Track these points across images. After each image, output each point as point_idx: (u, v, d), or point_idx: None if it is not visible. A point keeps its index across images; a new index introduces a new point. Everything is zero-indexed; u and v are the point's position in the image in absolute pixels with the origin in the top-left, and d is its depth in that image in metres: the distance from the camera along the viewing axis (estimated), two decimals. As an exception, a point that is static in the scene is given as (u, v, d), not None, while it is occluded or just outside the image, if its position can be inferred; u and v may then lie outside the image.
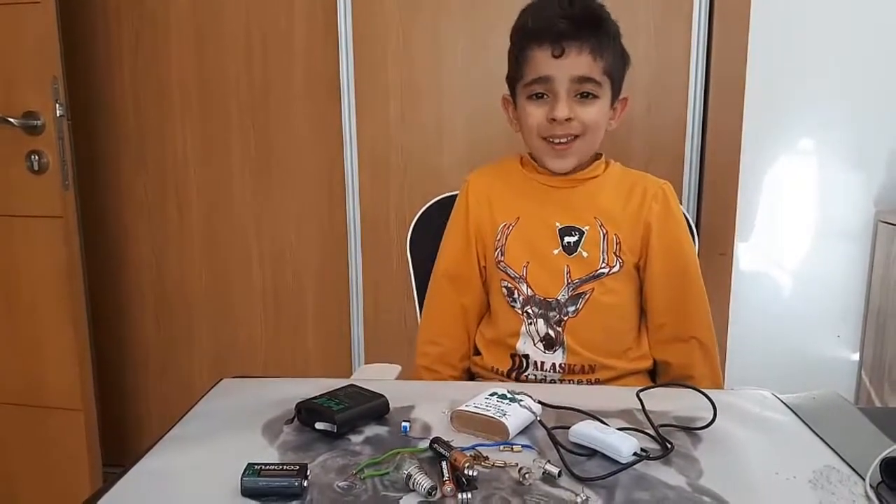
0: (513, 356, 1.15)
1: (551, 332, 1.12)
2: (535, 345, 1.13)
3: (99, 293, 2.08)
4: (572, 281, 1.11)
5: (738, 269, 1.83)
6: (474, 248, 1.19)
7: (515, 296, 1.15)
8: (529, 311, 1.13)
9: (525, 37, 1.12)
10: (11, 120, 1.61)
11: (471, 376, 1.24)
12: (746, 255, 1.83)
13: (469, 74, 1.83)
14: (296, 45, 1.88)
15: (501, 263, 1.15)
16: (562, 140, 1.10)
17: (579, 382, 1.13)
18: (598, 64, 1.09)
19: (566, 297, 1.12)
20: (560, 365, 1.12)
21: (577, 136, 1.11)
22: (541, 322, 1.12)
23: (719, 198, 1.79)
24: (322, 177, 1.94)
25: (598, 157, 1.19)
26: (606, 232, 1.12)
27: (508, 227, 1.16)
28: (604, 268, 1.11)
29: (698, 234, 1.32)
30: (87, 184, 2.02)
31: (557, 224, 1.13)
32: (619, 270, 1.12)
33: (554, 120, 1.09)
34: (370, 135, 1.89)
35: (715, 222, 1.79)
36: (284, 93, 1.91)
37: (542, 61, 1.09)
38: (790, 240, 1.82)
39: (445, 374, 1.20)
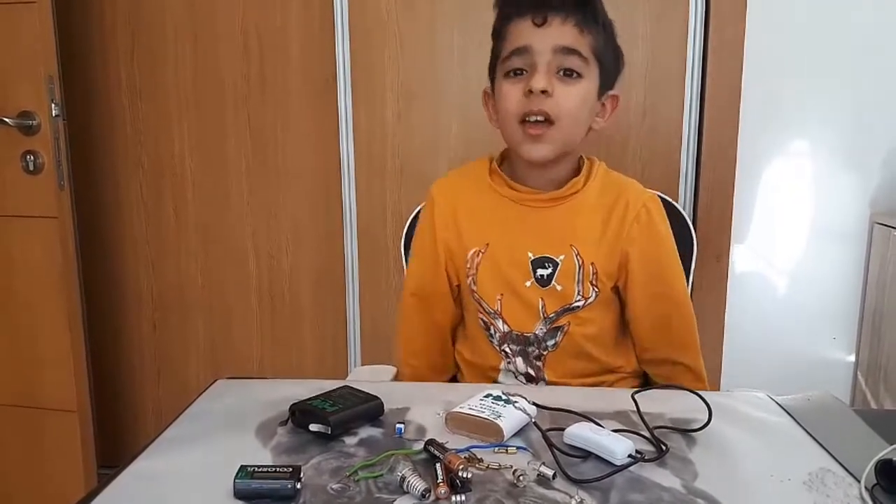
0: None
1: (531, 371, 1.09)
2: (516, 378, 1.10)
3: (95, 294, 2.08)
4: (548, 315, 1.06)
5: (734, 272, 1.83)
6: (444, 267, 1.12)
7: (492, 332, 1.10)
8: (507, 349, 1.09)
9: (506, 8, 1.03)
10: (7, 120, 1.61)
11: None
12: (743, 258, 1.83)
13: (465, 75, 1.83)
14: (292, 45, 1.88)
15: (475, 294, 1.09)
16: (538, 119, 0.99)
17: None
18: (584, 38, 0.99)
19: (544, 331, 1.07)
20: None
21: (551, 123, 0.99)
22: (519, 360, 1.09)
23: (715, 201, 1.79)
24: (318, 178, 1.93)
25: (577, 171, 1.09)
26: (583, 262, 1.04)
27: (478, 254, 1.08)
28: (579, 301, 1.05)
29: (695, 238, 1.32)
30: (83, 184, 2.01)
31: (530, 255, 1.05)
32: (594, 300, 1.06)
33: (530, 92, 0.97)
34: (366, 136, 1.88)
35: (711, 225, 1.79)
36: (281, 94, 1.91)
37: (523, 31, 0.99)
38: (786, 242, 1.82)
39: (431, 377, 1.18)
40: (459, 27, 1.82)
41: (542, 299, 1.06)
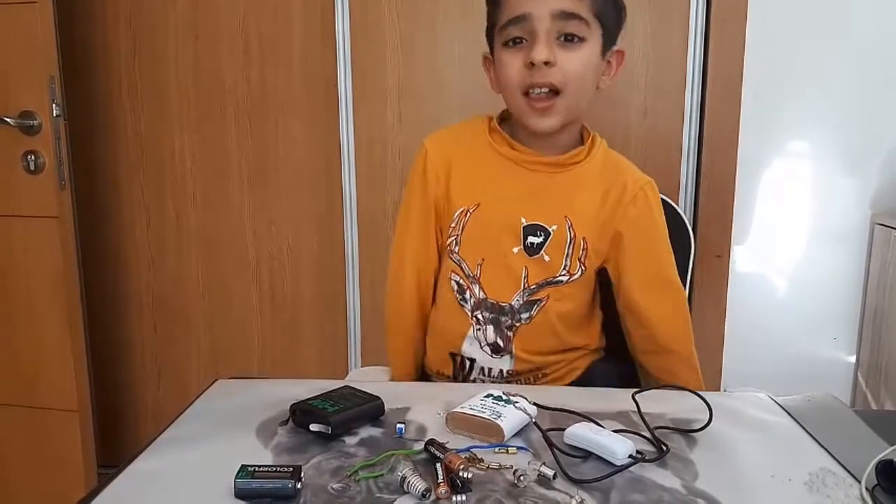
0: (453, 356, 1.10)
1: (500, 341, 1.05)
2: (481, 348, 1.07)
3: (96, 294, 2.08)
4: (529, 286, 1.03)
5: (734, 272, 1.83)
6: (433, 225, 1.08)
7: (466, 296, 1.06)
8: (479, 316, 1.05)
9: None
10: (8, 120, 1.61)
11: (424, 377, 1.19)
12: (743, 258, 1.83)
13: (466, 77, 1.83)
14: (293, 47, 1.88)
15: (455, 255, 1.05)
16: (543, 91, 0.97)
17: (527, 381, 1.08)
18: (583, 1, 0.95)
19: (520, 302, 1.04)
20: (507, 371, 1.07)
21: (557, 92, 0.97)
22: (490, 329, 1.05)
23: (716, 200, 1.79)
24: (319, 179, 1.93)
25: (579, 139, 1.08)
26: (574, 235, 1.02)
27: (466, 214, 1.03)
28: (563, 275, 1.03)
29: (694, 237, 1.32)
30: (85, 185, 2.01)
31: (523, 220, 1.02)
32: (579, 277, 1.03)
33: (532, 65, 0.95)
34: (367, 137, 1.88)
35: (712, 225, 1.79)
36: (282, 95, 1.91)
37: None
38: (787, 242, 1.82)
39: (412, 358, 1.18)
40: (461, 28, 1.82)
41: (526, 268, 1.03)
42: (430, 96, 1.86)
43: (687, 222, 1.30)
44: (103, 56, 1.96)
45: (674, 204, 1.28)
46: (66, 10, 1.86)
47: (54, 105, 1.62)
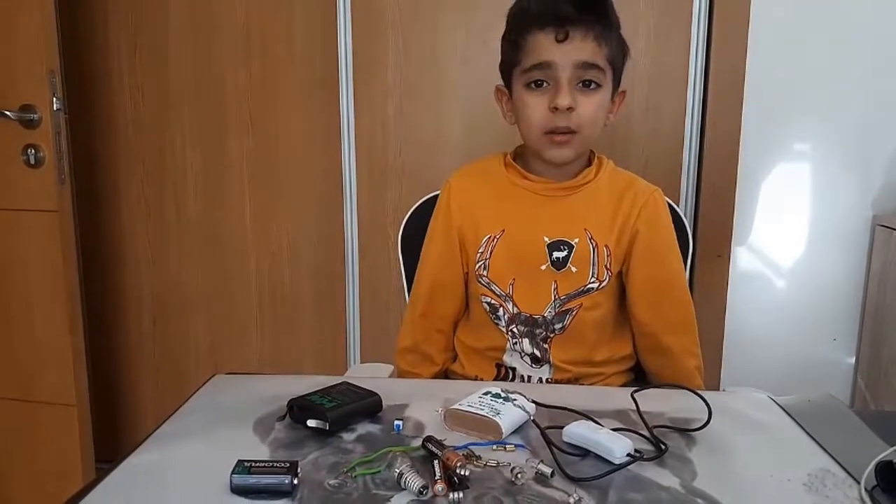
0: (498, 366, 1.15)
1: (537, 352, 1.11)
2: (521, 359, 1.12)
3: (95, 289, 2.08)
4: (559, 297, 1.09)
5: (735, 272, 1.82)
6: (458, 256, 1.15)
7: (500, 313, 1.12)
8: (514, 329, 1.11)
9: (525, 20, 1.06)
10: (8, 113, 1.60)
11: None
12: (744, 258, 1.83)
13: (467, 74, 1.83)
14: (295, 43, 1.88)
15: (484, 279, 1.11)
16: (562, 132, 1.05)
17: None
18: (602, 51, 1.04)
19: (553, 313, 1.09)
20: (547, 379, 1.12)
21: (574, 133, 1.05)
22: (526, 341, 1.11)
23: (717, 200, 1.78)
24: (320, 175, 1.93)
25: (589, 162, 1.15)
26: (596, 245, 1.09)
27: (493, 240, 1.11)
28: (593, 283, 1.09)
29: (695, 237, 1.32)
30: (85, 179, 2.01)
31: (546, 238, 1.09)
32: (608, 283, 1.09)
33: (556, 109, 1.03)
34: (368, 134, 1.88)
35: (712, 225, 1.79)
36: (283, 91, 1.91)
37: (544, 46, 1.03)
38: (787, 243, 1.82)
39: (426, 374, 1.19)
40: (462, 26, 1.81)
41: (555, 282, 1.09)
42: (431, 92, 1.85)
43: (687, 222, 1.30)
44: (104, 50, 1.96)
45: (673, 204, 1.28)
46: (67, 4, 1.86)
47: (55, 99, 1.62)
